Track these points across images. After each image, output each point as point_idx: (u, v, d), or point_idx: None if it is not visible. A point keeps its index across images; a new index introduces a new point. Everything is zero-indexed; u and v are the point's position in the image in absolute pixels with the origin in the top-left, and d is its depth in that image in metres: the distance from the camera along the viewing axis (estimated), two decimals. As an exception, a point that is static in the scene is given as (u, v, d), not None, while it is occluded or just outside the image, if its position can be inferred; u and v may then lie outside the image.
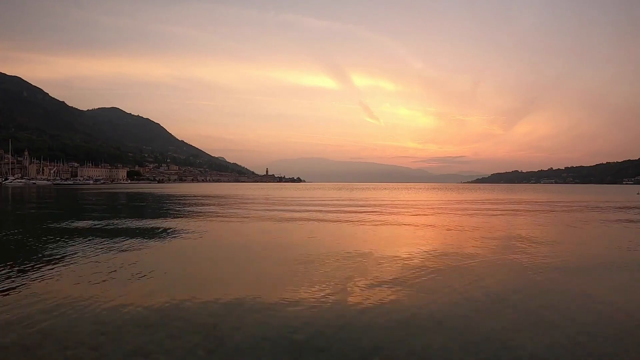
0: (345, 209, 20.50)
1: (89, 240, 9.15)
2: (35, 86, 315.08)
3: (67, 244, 8.60)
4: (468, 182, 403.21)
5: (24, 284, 5.30)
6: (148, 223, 13.08)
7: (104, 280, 5.51)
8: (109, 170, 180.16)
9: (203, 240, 9.48)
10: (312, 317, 4.16)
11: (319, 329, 3.86)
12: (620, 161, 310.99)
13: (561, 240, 10.05)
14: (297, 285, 5.32)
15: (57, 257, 7.14)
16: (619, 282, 5.81)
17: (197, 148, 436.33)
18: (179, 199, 30.51)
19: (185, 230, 11.33)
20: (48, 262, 6.66)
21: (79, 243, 8.70)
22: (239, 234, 10.89)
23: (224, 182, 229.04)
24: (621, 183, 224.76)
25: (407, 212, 19.08)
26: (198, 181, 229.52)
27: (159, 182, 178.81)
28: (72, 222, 13.29)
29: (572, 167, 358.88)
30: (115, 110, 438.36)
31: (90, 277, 5.72)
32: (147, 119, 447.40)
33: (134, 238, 9.57)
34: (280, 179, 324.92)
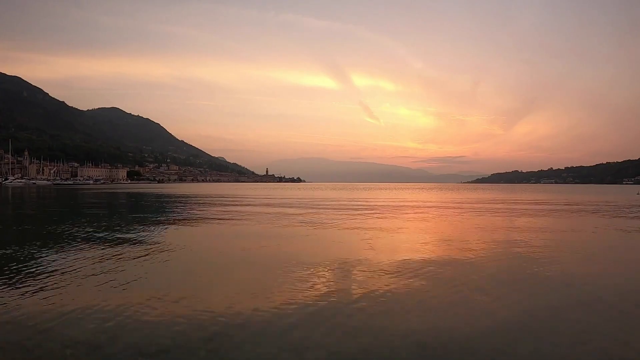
0: (347, 210, 20.48)
1: (89, 240, 9.15)
2: (35, 86, 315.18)
3: (67, 244, 8.60)
4: (468, 182, 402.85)
5: (24, 284, 5.30)
6: (148, 223, 13.07)
7: (104, 280, 5.51)
8: (109, 170, 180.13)
9: (204, 242, 9.48)
10: (313, 318, 4.17)
11: (318, 329, 3.86)
12: (620, 161, 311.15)
13: (561, 240, 10.05)
14: (298, 289, 5.33)
15: (57, 257, 7.15)
16: (619, 282, 5.81)
17: (197, 148, 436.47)
18: (179, 199, 30.51)
19: (186, 231, 11.34)
20: (48, 262, 6.66)
21: (79, 243, 8.70)
22: (239, 234, 10.89)
23: (224, 182, 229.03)
24: (621, 183, 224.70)
25: (408, 213, 19.08)
26: (198, 181, 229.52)
27: (159, 182, 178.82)
28: (72, 223, 13.29)
29: (572, 167, 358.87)
30: (115, 110, 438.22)
31: (91, 277, 5.72)
32: (147, 119, 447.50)
33: (133, 238, 9.57)
34: (280, 179, 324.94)
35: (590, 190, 75.56)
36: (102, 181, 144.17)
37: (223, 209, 19.95)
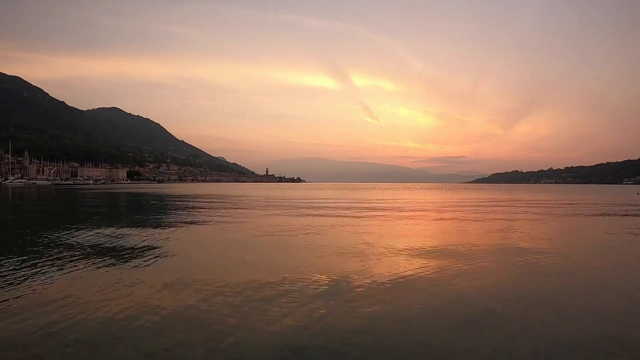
0: (348, 211, 20.48)
1: (89, 240, 9.16)
2: (35, 86, 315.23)
3: (67, 244, 8.60)
4: (468, 182, 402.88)
5: (24, 285, 5.30)
6: (148, 224, 13.07)
7: (104, 281, 5.52)
8: (109, 170, 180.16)
9: (207, 242, 9.48)
10: (313, 318, 4.18)
11: (319, 330, 3.86)
12: (620, 161, 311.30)
13: (562, 240, 10.05)
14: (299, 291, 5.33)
15: (57, 257, 7.15)
16: (618, 282, 5.81)
17: (197, 148, 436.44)
18: (179, 200, 30.50)
19: (187, 231, 11.33)
20: (48, 263, 6.67)
21: (79, 243, 8.70)
22: (241, 235, 10.89)
23: (224, 182, 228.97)
24: (621, 183, 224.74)
25: (410, 214, 19.09)
26: (198, 181, 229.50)
27: (159, 182, 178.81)
28: (72, 224, 13.29)
29: (572, 167, 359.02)
30: (115, 110, 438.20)
31: (91, 278, 5.73)
32: (147, 119, 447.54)
33: (133, 238, 9.57)
34: (280, 179, 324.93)
35: (590, 190, 75.56)
36: (102, 181, 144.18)
37: (223, 210, 19.94)
